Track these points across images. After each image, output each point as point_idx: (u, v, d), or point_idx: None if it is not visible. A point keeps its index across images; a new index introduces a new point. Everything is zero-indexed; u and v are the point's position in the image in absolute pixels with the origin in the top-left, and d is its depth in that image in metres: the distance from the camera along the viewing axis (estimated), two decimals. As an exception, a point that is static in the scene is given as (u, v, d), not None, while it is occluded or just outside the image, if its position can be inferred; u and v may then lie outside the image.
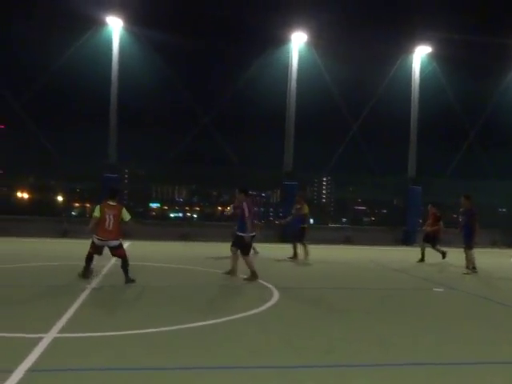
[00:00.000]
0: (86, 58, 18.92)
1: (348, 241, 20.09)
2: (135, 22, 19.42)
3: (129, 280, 9.18)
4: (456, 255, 13.57)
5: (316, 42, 20.51)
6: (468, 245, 12.16)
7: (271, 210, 26.99)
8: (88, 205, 26.05)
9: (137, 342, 5.61)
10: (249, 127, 19.96)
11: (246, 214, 9.84)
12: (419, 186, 20.94)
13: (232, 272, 10.45)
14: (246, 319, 6.90)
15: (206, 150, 21.35)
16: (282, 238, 19.97)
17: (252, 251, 13.74)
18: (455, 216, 19.78)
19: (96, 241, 9.24)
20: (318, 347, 5.70)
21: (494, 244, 21.04)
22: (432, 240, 14.13)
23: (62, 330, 5.91)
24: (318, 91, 20.17)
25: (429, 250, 14.45)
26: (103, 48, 19.64)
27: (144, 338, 5.78)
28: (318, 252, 15.82)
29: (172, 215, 26.08)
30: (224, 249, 14.60)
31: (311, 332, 6.38)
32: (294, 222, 14.29)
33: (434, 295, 9.62)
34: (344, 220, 24.80)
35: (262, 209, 28.65)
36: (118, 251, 9.26)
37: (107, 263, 11.98)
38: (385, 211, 25.95)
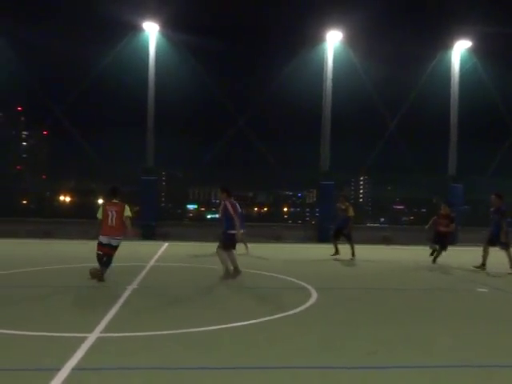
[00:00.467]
0: (123, 64, 19.31)
1: (386, 240, 19.77)
2: (171, 26, 19.69)
3: (100, 275, 9.15)
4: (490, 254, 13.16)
5: (351, 41, 20.29)
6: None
7: (307, 210, 26.88)
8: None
9: (178, 342, 5.67)
10: (284, 128, 19.98)
11: (231, 211, 9.70)
12: (460, 185, 20.43)
13: (236, 270, 10.21)
14: (285, 319, 6.88)
15: (241, 151, 21.46)
16: (319, 239, 19.86)
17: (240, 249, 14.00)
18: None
19: (101, 238, 9.35)
20: (359, 348, 5.63)
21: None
22: (443, 240, 13.51)
23: (105, 330, 6.04)
24: (353, 90, 19.96)
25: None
26: (140, 53, 19.99)
27: (186, 338, 5.84)
28: (356, 252, 15.61)
29: (209, 216, 26.30)
30: (261, 249, 14.67)
31: (352, 333, 6.31)
32: (340, 223, 14.34)
33: (479, 295, 9.37)
34: (382, 219, 24.44)
35: (298, 209, 28.56)
36: (113, 250, 9.34)
37: (147, 263, 12.20)
38: (424, 210, 25.42)
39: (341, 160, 20.71)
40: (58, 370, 4.58)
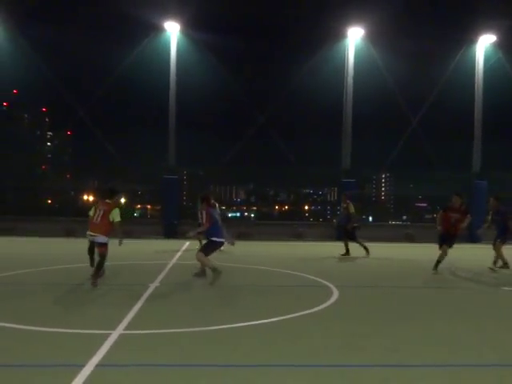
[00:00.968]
0: (145, 64, 19.50)
1: (409, 238, 19.55)
2: (192, 25, 19.79)
3: (94, 278, 8.91)
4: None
5: (373, 37, 20.10)
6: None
7: (328, 208, 26.77)
8: (149, 206, 26.85)
9: (200, 339, 5.71)
10: (305, 125, 19.95)
11: (209, 220, 9.22)
12: (485, 181, 20.08)
13: (203, 271, 9.81)
14: (307, 317, 6.87)
15: (262, 149, 21.47)
16: (339, 237, 19.76)
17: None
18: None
19: (87, 236, 9.39)
20: (381, 346, 5.59)
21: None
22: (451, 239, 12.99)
23: (128, 327, 6.11)
24: (375, 87, 19.78)
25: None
26: (162, 53, 20.15)
27: (207, 335, 5.88)
28: (378, 250, 15.51)
29: (230, 215, 26.42)
30: (282, 247, 14.67)
31: (374, 331, 6.27)
32: (342, 221, 14.35)
33: (503, 294, 9.21)
34: (404, 217, 24.19)
35: (319, 207, 28.44)
36: (101, 248, 9.15)
37: (169, 261, 12.30)
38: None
39: (362, 157, 20.58)
40: (82, 366, 4.65)
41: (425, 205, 26.52)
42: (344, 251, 14.32)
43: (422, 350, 5.50)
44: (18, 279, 9.53)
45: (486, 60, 20.85)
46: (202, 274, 9.84)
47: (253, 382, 4.54)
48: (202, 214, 9.49)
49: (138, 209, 18.13)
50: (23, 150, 26.87)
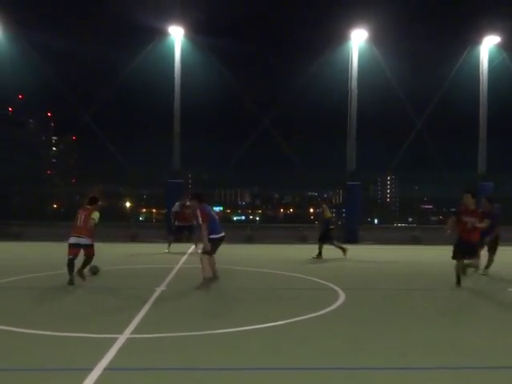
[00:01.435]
0: (150, 68, 19.59)
1: (415, 241, 19.49)
2: (196, 30, 19.86)
3: (81, 274, 9.69)
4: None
5: (377, 39, 20.09)
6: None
7: (334, 211, 26.70)
8: (154, 210, 26.91)
9: (207, 343, 5.71)
10: (310, 128, 19.94)
11: (200, 219, 9.04)
12: (490, 182, 19.99)
13: (214, 275, 9.59)
14: (314, 320, 6.86)
15: (267, 152, 21.50)
16: (346, 240, 19.73)
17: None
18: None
19: (70, 239, 9.71)
20: (389, 349, 5.57)
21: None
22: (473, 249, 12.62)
23: (135, 331, 6.12)
24: (379, 89, 19.77)
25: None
26: (166, 57, 20.22)
27: (214, 339, 5.88)
28: (385, 252, 15.50)
29: (235, 218, 26.41)
30: (287, 250, 14.66)
31: (381, 334, 6.25)
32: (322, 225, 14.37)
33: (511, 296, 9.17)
34: (410, 219, 24.13)
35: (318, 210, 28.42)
36: (87, 250, 9.85)
37: (175, 265, 12.31)
38: (453, 209, 24.99)
39: (367, 159, 20.55)
40: (91, 369, 4.66)
41: (430, 207, 26.43)
42: (317, 254, 14.33)
43: (429, 353, 5.47)
44: (27, 283, 9.57)
45: (491, 61, 20.80)
46: (213, 278, 9.77)
47: (261, 385, 4.54)
48: (196, 214, 9.29)
49: (143, 213, 18.15)
50: (28, 154, 27.01)
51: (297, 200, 27.79)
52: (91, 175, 24.59)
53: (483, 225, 9.40)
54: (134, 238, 19.55)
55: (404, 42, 19.06)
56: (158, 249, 15.80)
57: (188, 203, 14.96)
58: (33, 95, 21.42)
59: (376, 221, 24.76)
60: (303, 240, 19.42)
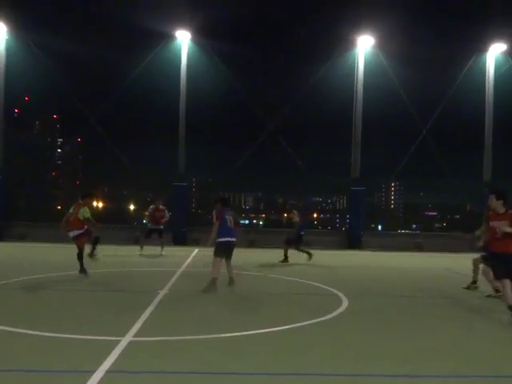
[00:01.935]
0: (156, 72, 19.66)
1: (419, 247, 19.44)
2: (203, 34, 19.93)
3: (83, 271, 10.55)
4: None
5: (383, 45, 20.11)
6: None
7: (337, 216, 26.70)
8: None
9: (210, 346, 5.71)
10: (316, 133, 19.96)
11: (214, 219, 9.72)
12: (495, 190, 19.91)
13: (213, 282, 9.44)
14: (316, 326, 6.85)
15: (272, 157, 21.51)
16: (349, 245, 19.71)
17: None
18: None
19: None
20: (392, 356, 5.56)
21: None
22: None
23: (138, 334, 6.12)
24: (385, 95, 19.77)
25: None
26: (173, 61, 20.30)
27: (218, 343, 5.88)
28: (388, 259, 15.46)
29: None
30: (291, 256, 14.63)
31: (385, 340, 6.23)
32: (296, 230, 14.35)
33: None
34: (414, 226, 24.07)
35: (328, 215, 28.37)
36: (76, 241, 10.58)
37: (178, 268, 12.32)
38: (458, 217, 24.92)
39: (372, 165, 20.53)
40: (93, 372, 4.67)
41: (434, 213, 26.37)
42: (283, 258, 14.39)
43: (434, 360, 5.45)
44: (30, 285, 9.59)
45: (497, 69, 20.77)
46: (231, 282, 9.79)
47: (263, 390, 4.54)
48: (213, 214, 9.82)
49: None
50: (34, 156, 27.12)
51: (301, 205, 27.77)
52: (96, 177, 24.67)
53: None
54: (137, 241, 19.54)
55: (410, 48, 19.06)
56: (164, 252, 15.82)
57: (161, 206, 15.87)
58: (39, 97, 21.50)
59: (380, 227, 24.71)
60: (307, 245, 19.36)
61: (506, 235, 7.26)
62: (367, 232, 20.93)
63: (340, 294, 9.22)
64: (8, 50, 20.14)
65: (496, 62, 20.81)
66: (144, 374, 4.78)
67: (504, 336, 6.65)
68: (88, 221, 10.72)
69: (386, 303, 8.86)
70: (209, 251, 10.04)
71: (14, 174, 21.25)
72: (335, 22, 18.92)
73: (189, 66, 20.45)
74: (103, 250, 12.31)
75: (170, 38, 20.15)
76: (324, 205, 29.44)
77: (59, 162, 31.10)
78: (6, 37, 20.11)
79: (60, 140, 31.75)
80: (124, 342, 5.73)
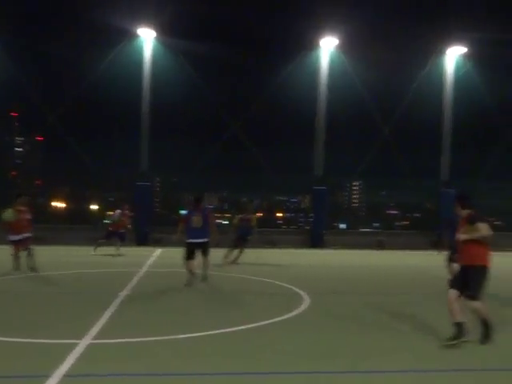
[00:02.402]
0: (119, 70, 19.36)
1: (380, 245, 19.84)
2: (167, 32, 19.73)
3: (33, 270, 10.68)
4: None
5: (346, 47, 20.38)
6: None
7: (301, 215, 26.92)
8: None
9: (170, 348, 5.68)
10: (279, 133, 20.04)
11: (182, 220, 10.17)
12: (452, 189, 20.49)
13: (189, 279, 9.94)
14: (278, 325, 6.90)
15: (236, 157, 21.50)
16: (312, 244, 19.92)
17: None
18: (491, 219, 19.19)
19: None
20: (352, 353, 5.66)
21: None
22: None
23: (97, 336, 6.03)
24: (347, 95, 20.06)
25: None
26: (135, 59, 20.05)
27: (177, 344, 5.85)
28: (350, 257, 15.70)
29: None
30: (255, 255, 14.69)
31: (344, 338, 6.33)
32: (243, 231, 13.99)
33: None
34: (376, 224, 24.51)
35: (292, 214, 28.57)
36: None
37: (141, 269, 12.18)
38: (418, 215, 25.52)
39: (335, 165, 20.77)
40: (48, 376, 4.57)
41: (396, 212, 26.90)
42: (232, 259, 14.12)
43: (391, 357, 5.58)
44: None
45: (456, 71, 21.33)
46: (203, 278, 10.15)
47: (222, 390, 4.55)
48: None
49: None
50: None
51: (265, 204, 27.89)
52: (57, 177, 24.12)
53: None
54: (97, 242, 19.19)
55: (373, 50, 19.39)
56: (125, 252, 15.61)
57: (126, 211, 16.04)
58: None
59: (342, 225, 25.05)
60: (271, 244, 19.49)
61: (466, 244, 6.19)
62: (330, 231, 21.20)
63: (302, 293, 9.31)
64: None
65: (456, 63, 21.35)
66: (102, 377, 4.72)
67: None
68: (10, 224, 10.67)
69: (347, 301, 9.00)
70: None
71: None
72: (299, 23, 19.06)
73: (152, 63, 20.22)
74: (61, 250, 12.08)
75: (132, 35, 19.88)
76: (288, 204, 29.64)
77: (18, 162, 30.24)
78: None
79: (19, 139, 30.86)
80: (83, 344, 5.63)
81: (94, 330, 6.27)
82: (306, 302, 8.54)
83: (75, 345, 5.58)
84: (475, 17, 18.51)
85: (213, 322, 6.94)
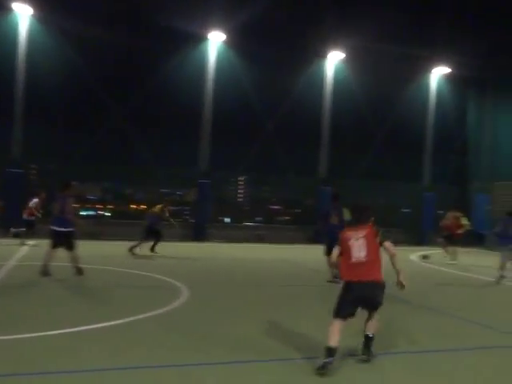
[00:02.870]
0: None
1: (260, 239, 20.42)
2: (45, 9, 18.38)
3: None
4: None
5: (234, 42, 20.59)
6: None
7: (187, 208, 26.77)
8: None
9: (39, 345, 5.42)
10: (165, 125, 19.63)
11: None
12: (329, 187, 21.64)
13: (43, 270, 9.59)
14: (153, 319, 6.81)
15: (119, 146, 20.70)
16: (195, 237, 19.95)
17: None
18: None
19: None
20: (223, 345, 5.75)
21: (395, 242, 22.14)
22: None
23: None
24: (233, 90, 20.28)
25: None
26: (8, 36, 18.49)
27: (46, 341, 5.59)
28: (231, 250, 15.96)
29: (83, 213, 25.07)
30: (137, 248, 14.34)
31: (218, 330, 6.42)
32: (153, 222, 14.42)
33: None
34: (258, 219, 25.12)
35: (178, 207, 28.32)
36: None
37: (6, 262, 11.32)
38: (298, 211, 26.59)
39: (220, 159, 20.86)
40: None
41: (278, 207, 27.79)
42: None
43: (265, 346, 5.76)
44: None
45: (335, 74, 22.52)
46: (77, 272, 9.75)
47: (89, 387, 4.39)
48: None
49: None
50: None
51: (149, 197, 27.31)
52: None
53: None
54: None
55: (258, 46, 19.87)
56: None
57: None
58: None
59: (227, 219, 25.35)
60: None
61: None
62: (214, 224, 21.36)
63: (181, 286, 9.27)
64: None
65: (335, 68, 22.55)
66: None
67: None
68: None
69: (225, 294, 9.13)
70: None
71: None
72: (188, 13, 18.83)
73: (29, 42, 18.78)
74: None
75: (6, 10, 18.31)
76: (174, 196, 29.32)
77: None
78: None
79: None
80: None
81: None
82: (185, 294, 8.52)
83: None
84: (353, 25, 19.69)
85: (86, 317, 6.67)
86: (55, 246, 9.58)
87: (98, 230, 18.84)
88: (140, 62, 19.75)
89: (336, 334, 5.04)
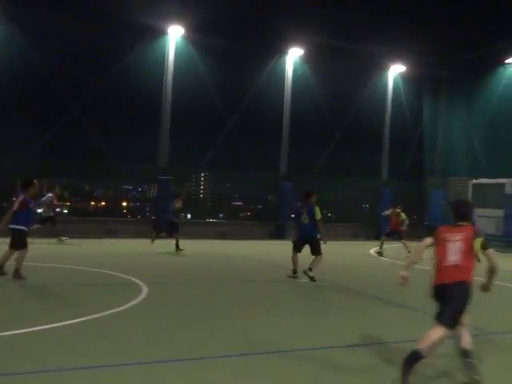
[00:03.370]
0: None
1: (223, 235, 20.40)
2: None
3: None
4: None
5: (193, 37, 20.45)
6: None
7: (148, 205, 26.46)
8: None
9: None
10: (125, 120, 19.29)
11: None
12: (290, 182, 21.85)
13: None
14: (113, 316, 6.75)
15: (78, 142, 20.21)
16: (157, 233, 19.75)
17: None
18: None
19: None
20: (184, 342, 5.76)
21: (354, 237, 22.63)
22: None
23: None
24: (193, 85, 20.12)
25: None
26: None
27: (3, 342, 5.46)
28: (193, 246, 15.83)
29: (39, 210, 24.41)
30: (92, 245, 14.10)
31: (179, 327, 6.42)
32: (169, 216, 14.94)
33: (299, 285, 10.14)
34: (221, 215, 25.09)
35: (138, 203, 27.96)
36: None
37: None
38: (260, 206, 26.72)
39: (181, 155, 20.67)
40: None
41: (240, 203, 27.84)
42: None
43: (225, 343, 5.80)
44: None
45: (295, 71, 22.71)
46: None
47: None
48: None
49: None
50: None
51: (109, 193, 26.84)
52: None
53: None
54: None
55: (216, 41, 19.82)
56: None
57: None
58: None
59: (189, 216, 25.20)
60: (110, 233, 18.82)
61: None
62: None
63: (141, 283, 9.18)
64: None
65: (294, 64, 22.72)
66: None
67: (287, 315, 7.36)
68: None
69: (185, 290, 9.12)
70: None
71: None
72: (147, 8, 18.54)
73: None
74: None
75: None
76: (134, 193, 28.92)
77: None
78: None
79: None
80: None
81: None
82: (144, 292, 8.46)
83: None
84: (312, 22, 19.89)
85: (44, 316, 6.55)
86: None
87: (55, 228, 18.36)
88: (98, 56, 19.29)
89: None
